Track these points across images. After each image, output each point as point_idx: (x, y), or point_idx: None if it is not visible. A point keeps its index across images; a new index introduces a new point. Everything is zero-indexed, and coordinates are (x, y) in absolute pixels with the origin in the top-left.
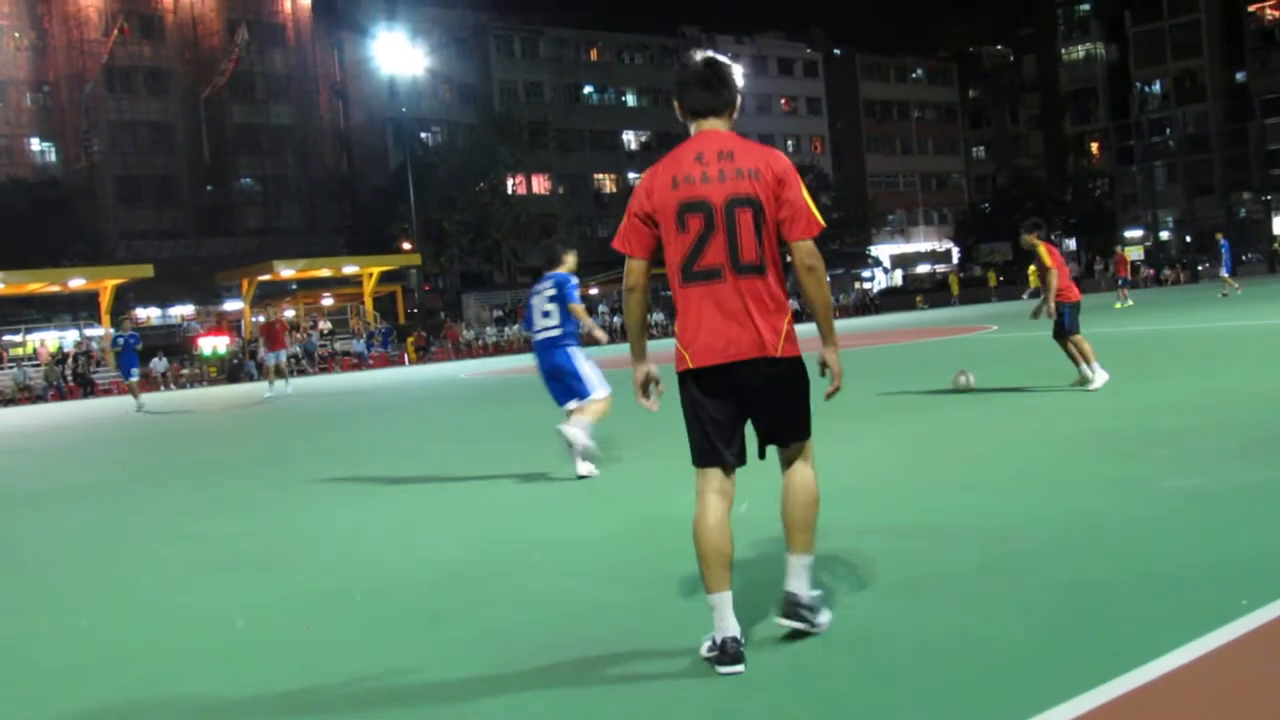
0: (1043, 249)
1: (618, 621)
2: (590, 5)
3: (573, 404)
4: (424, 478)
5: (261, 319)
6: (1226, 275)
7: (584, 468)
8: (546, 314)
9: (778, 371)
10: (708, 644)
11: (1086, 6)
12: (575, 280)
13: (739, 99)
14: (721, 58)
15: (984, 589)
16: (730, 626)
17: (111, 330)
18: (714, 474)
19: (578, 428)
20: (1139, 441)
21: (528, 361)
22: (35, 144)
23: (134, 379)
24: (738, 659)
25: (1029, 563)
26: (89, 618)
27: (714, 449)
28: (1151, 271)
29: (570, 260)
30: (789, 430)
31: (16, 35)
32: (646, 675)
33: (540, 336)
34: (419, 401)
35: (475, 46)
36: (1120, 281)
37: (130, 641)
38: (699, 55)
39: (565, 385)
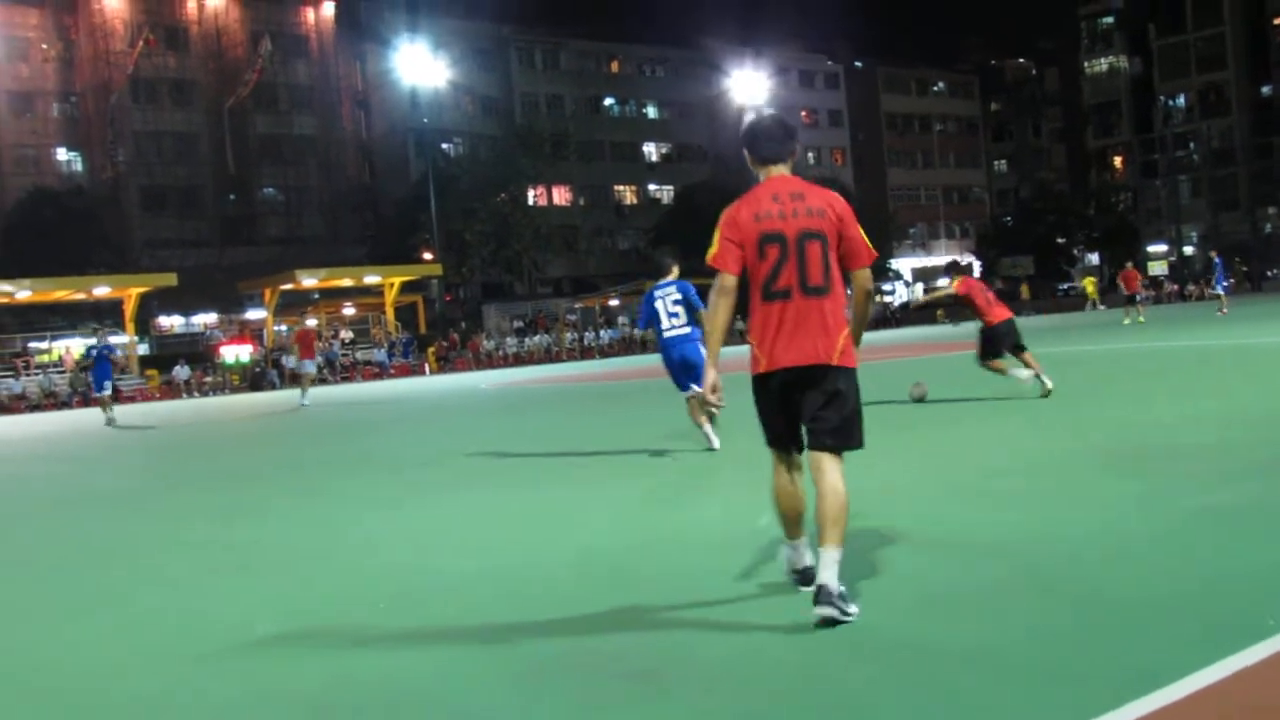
0: (954, 284)
1: (636, 630)
2: (611, 18)
3: (694, 390)
4: (443, 486)
5: (285, 328)
6: (1221, 293)
7: (715, 441)
8: (674, 315)
9: (835, 377)
10: (787, 566)
11: (1109, 19)
12: (694, 287)
13: (798, 148)
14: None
15: (1003, 603)
16: (806, 559)
17: (134, 338)
18: (783, 454)
19: (710, 432)
20: (1159, 457)
21: (549, 372)
22: (62, 154)
23: (105, 392)
24: (812, 582)
25: (1048, 577)
26: (109, 621)
27: (781, 436)
28: (1175, 287)
29: (676, 269)
30: (841, 433)
31: (44, 47)
32: (662, 683)
33: (672, 334)
34: (439, 411)
35: (497, 58)
36: (1137, 298)
37: (149, 645)
38: (766, 111)
39: (693, 374)
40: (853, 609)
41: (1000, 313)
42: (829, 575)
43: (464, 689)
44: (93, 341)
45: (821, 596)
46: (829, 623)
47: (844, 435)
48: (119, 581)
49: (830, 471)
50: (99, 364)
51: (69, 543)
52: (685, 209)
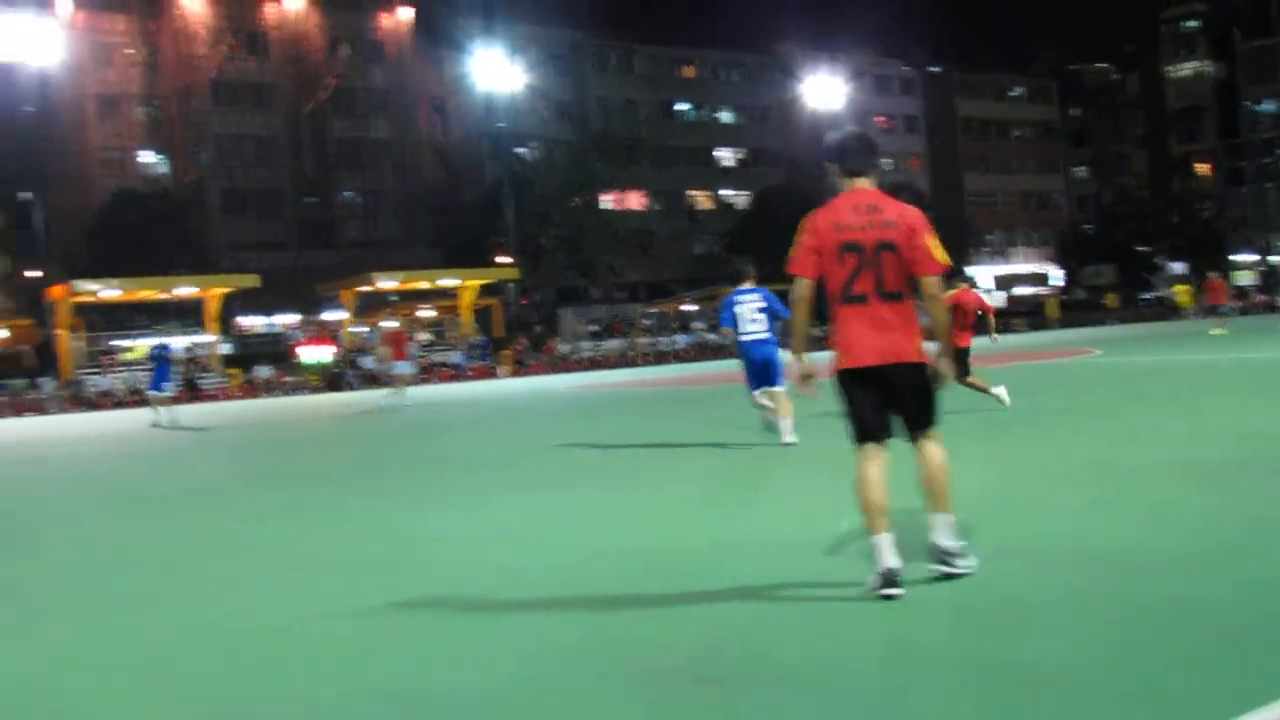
0: (951, 293)
1: (710, 635)
2: (685, 23)
3: (769, 389)
4: (518, 486)
5: (366, 330)
6: None
7: (790, 437)
8: (755, 320)
9: (911, 372)
10: (872, 579)
11: (1193, 23)
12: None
13: (880, 162)
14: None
15: (1080, 615)
16: (890, 559)
17: (218, 337)
18: (869, 448)
19: (786, 428)
20: (1236, 470)
21: (624, 376)
22: (146, 156)
23: (164, 393)
24: (895, 584)
25: (1127, 590)
26: (187, 620)
27: (867, 429)
28: (1264, 297)
29: (754, 275)
30: (921, 418)
31: (129, 51)
32: (735, 689)
33: (752, 338)
34: (515, 413)
35: (572, 63)
36: (1222, 309)
37: (229, 645)
38: (849, 127)
39: (770, 374)
40: (967, 562)
41: (967, 339)
42: (941, 536)
43: (539, 690)
44: (170, 342)
45: (936, 554)
46: (949, 577)
47: (927, 420)
48: (195, 580)
49: (926, 448)
50: (158, 366)
51: (143, 539)
52: (760, 214)
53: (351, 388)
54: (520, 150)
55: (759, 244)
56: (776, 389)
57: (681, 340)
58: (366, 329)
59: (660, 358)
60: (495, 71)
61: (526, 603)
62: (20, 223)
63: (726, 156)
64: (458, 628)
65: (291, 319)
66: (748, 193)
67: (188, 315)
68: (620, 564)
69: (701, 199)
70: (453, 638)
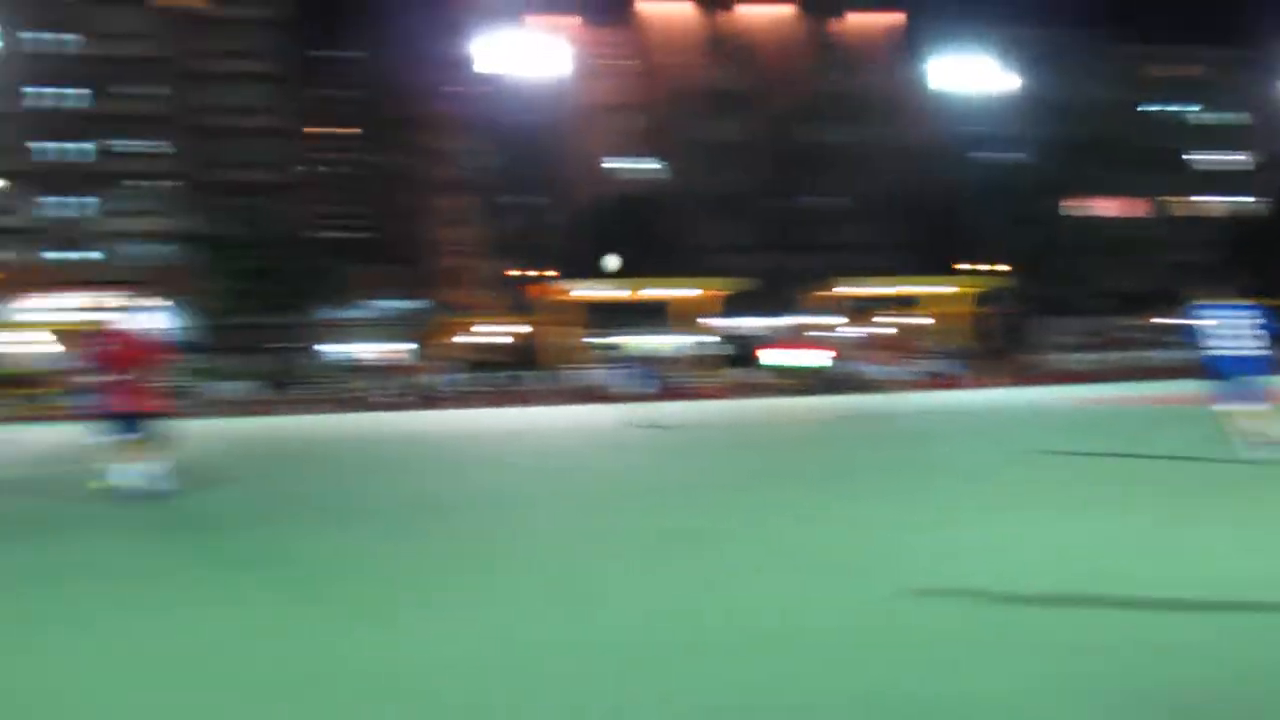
0: None
1: (1193, 669)
2: (1175, 20)
3: (1239, 405)
4: (1003, 499)
5: (851, 333)
6: None
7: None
8: (1246, 336)
9: None
10: None
11: None
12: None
13: None
14: None
15: None
16: None
17: (704, 338)
18: None
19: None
20: None
21: (1107, 391)
22: (629, 163)
23: (643, 389)
24: None
25: None
26: (671, 610)
27: None
28: None
29: (1237, 292)
30: None
31: (615, 63)
32: None
33: (1244, 353)
34: (996, 423)
35: (1053, 65)
36: None
37: (711, 638)
38: None
39: (1255, 391)
40: None
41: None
42: None
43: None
44: (650, 340)
45: None
46: None
47: None
48: (661, 576)
49: None
50: (641, 365)
51: (610, 532)
52: (1257, 225)
53: (829, 392)
54: (995, 154)
55: (1253, 258)
56: (1262, 408)
57: (1169, 355)
58: (855, 334)
59: (1146, 373)
60: (970, 75)
61: (1028, 626)
62: (526, 225)
63: (1212, 161)
64: (949, 635)
65: (764, 321)
66: (1251, 198)
67: (659, 315)
68: (1119, 585)
69: (1183, 206)
70: (949, 640)
